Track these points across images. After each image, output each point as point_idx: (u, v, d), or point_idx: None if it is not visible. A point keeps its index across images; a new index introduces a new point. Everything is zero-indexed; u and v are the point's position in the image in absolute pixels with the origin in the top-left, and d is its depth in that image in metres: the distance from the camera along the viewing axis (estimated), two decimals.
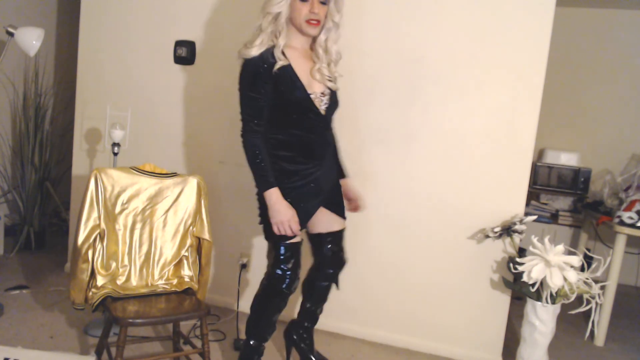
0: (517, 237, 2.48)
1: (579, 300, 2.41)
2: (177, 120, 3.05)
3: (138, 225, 2.24)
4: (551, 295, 2.35)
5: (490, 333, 2.63)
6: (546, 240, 2.34)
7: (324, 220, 2.20)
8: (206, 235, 2.31)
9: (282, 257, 2.05)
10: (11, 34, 2.72)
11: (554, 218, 4.11)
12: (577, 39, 4.38)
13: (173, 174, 2.31)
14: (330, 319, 2.82)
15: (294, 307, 2.90)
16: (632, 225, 2.97)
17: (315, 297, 2.32)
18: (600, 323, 3.01)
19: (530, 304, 2.42)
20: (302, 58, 2.00)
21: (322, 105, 2.01)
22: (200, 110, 3.01)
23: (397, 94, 2.64)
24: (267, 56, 1.91)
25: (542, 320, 2.37)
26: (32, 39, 2.72)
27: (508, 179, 2.54)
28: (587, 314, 2.90)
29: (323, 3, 1.94)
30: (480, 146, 2.57)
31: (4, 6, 3.62)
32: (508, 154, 2.53)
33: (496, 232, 2.46)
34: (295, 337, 2.37)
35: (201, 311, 2.06)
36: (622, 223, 3.00)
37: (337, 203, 2.23)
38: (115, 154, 2.66)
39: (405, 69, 2.63)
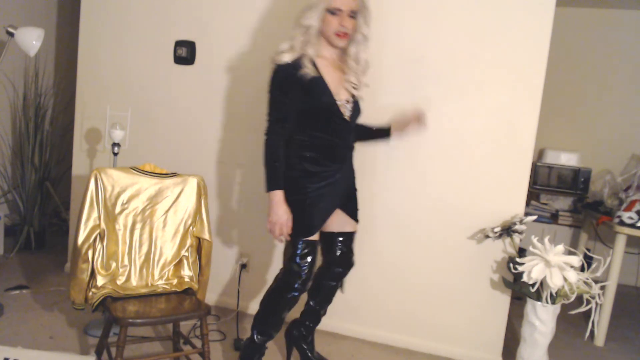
0: (517, 237, 2.48)
1: (579, 300, 2.41)
2: (177, 120, 3.05)
3: (138, 225, 2.24)
4: (551, 295, 2.35)
5: (490, 333, 2.63)
6: (546, 240, 2.34)
7: (337, 221, 2.25)
8: (206, 235, 2.31)
9: (299, 253, 2.10)
10: (11, 34, 2.72)
11: (554, 218, 4.11)
12: (577, 39, 4.38)
13: (173, 174, 2.31)
14: (330, 319, 2.82)
15: (297, 308, 2.91)
16: (632, 225, 2.97)
17: (321, 297, 2.34)
18: (600, 323, 3.01)
19: (530, 304, 2.42)
20: (331, 67, 2.11)
21: (347, 111, 2.12)
22: (200, 110, 3.01)
23: (397, 94, 2.64)
24: (299, 63, 2.02)
25: (542, 320, 2.37)
26: (32, 39, 2.72)
27: (508, 179, 2.54)
28: (587, 314, 2.90)
29: (352, 17, 2.05)
30: (480, 146, 2.57)
31: (4, 6, 3.62)
32: (508, 154, 2.53)
33: (496, 232, 2.46)
34: (296, 335, 2.38)
35: (201, 311, 2.06)
36: (622, 223, 3.00)
37: (352, 206, 2.31)
38: (115, 154, 2.66)
39: (405, 69, 2.63)
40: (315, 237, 2.14)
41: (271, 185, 2.05)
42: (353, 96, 2.16)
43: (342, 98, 2.11)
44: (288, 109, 2.05)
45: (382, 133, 2.35)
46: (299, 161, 2.08)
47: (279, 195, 2.04)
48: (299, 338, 2.37)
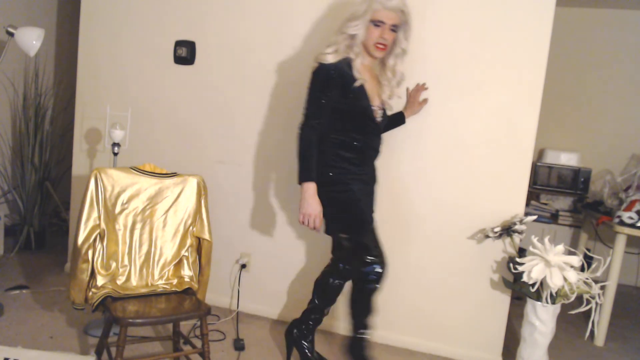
0: (517, 237, 2.48)
1: (579, 300, 2.41)
2: (177, 120, 3.05)
3: (138, 225, 2.24)
4: (551, 295, 2.35)
5: (490, 333, 2.63)
6: (546, 240, 2.34)
7: None
8: (206, 235, 2.31)
9: (365, 247, 2.18)
10: (11, 34, 2.72)
11: (554, 218, 4.11)
12: (577, 39, 4.38)
13: (173, 174, 2.31)
14: (329, 319, 2.82)
15: (300, 307, 2.91)
16: (632, 225, 2.97)
17: (326, 296, 2.35)
18: (600, 323, 3.01)
19: (530, 304, 2.42)
20: (368, 73, 2.24)
21: (378, 116, 2.26)
22: (200, 110, 3.01)
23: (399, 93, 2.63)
24: (343, 66, 2.14)
25: (542, 320, 2.37)
26: (32, 39, 2.72)
27: (508, 179, 2.54)
28: (587, 314, 2.90)
29: (393, 30, 2.16)
30: (480, 146, 2.57)
31: (4, 6, 3.62)
32: (508, 154, 2.53)
33: (496, 232, 2.46)
34: (297, 335, 2.38)
35: (201, 311, 2.06)
36: (622, 223, 3.00)
37: (373, 208, 2.40)
38: (115, 154, 2.66)
39: (405, 69, 2.62)
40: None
41: (304, 177, 2.11)
42: (383, 104, 2.30)
43: (375, 103, 2.23)
44: (325, 107, 2.14)
45: (398, 120, 2.53)
46: (339, 160, 2.19)
47: (312, 187, 2.11)
48: (299, 337, 2.38)
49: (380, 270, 2.18)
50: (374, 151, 2.31)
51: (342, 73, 2.13)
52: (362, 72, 2.18)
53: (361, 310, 2.26)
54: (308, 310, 2.38)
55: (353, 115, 2.19)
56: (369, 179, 2.34)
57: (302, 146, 2.13)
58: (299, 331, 2.38)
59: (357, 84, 2.14)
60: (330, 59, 2.12)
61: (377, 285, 2.21)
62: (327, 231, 2.27)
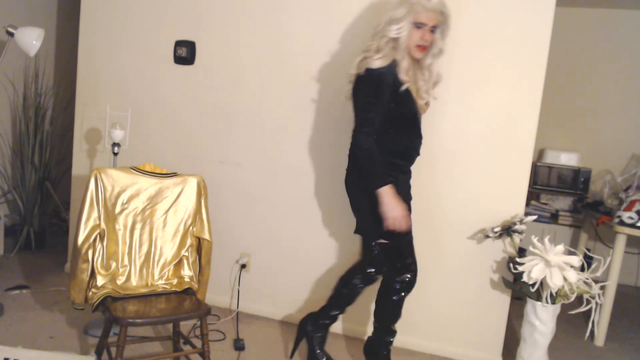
0: (517, 237, 2.48)
1: (579, 300, 2.41)
2: (177, 120, 3.05)
3: (138, 225, 2.24)
4: (551, 295, 2.35)
5: (490, 333, 2.63)
6: (546, 240, 2.34)
7: None
8: (206, 235, 2.31)
9: (403, 252, 2.21)
10: (11, 34, 2.72)
11: (554, 218, 4.10)
12: (577, 39, 4.38)
13: (173, 174, 2.31)
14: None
15: (294, 310, 2.91)
16: (632, 225, 2.97)
17: (347, 296, 2.34)
18: (600, 323, 3.01)
19: (530, 304, 2.42)
20: (409, 75, 2.20)
21: (420, 117, 2.25)
22: (200, 110, 3.01)
23: None
24: (393, 69, 2.11)
25: (542, 320, 2.37)
26: (32, 38, 2.72)
27: (508, 179, 2.54)
28: (587, 314, 2.90)
29: (432, 31, 2.15)
30: (480, 146, 2.57)
31: (4, 6, 3.62)
32: (508, 154, 2.53)
33: (496, 232, 2.46)
34: (310, 327, 2.37)
35: (201, 311, 2.06)
36: (622, 223, 3.00)
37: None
38: (115, 154, 2.66)
39: None
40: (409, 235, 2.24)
41: (377, 183, 2.08)
42: (423, 109, 2.30)
43: (418, 105, 2.23)
44: (379, 112, 2.10)
45: None
46: (391, 167, 2.15)
47: (390, 190, 2.07)
48: (313, 331, 2.37)
49: (409, 278, 2.22)
50: (416, 154, 2.29)
51: (392, 77, 2.10)
52: (406, 75, 2.17)
53: (387, 316, 2.28)
54: (327, 306, 2.37)
55: (402, 120, 2.17)
56: (409, 181, 2.32)
57: (364, 154, 2.09)
58: (314, 325, 2.37)
59: (404, 87, 2.12)
60: (379, 63, 2.09)
61: (405, 294, 2.24)
62: (364, 234, 2.26)
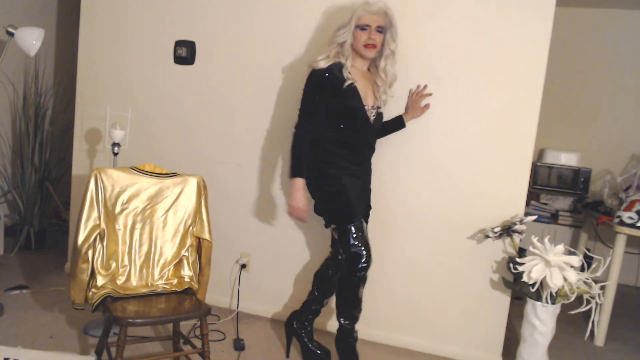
0: (517, 237, 2.48)
1: (579, 300, 2.41)
2: (177, 120, 3.05)
3: (138, 225, 2.24)
4: (551, 295, 2.35)
5: (490, 333, 2.63)
6: (546, 240, 2.34)
7: None
8: (206, 235, 2.31)
9: (354, 237, 2.25)
10: (11, 34, 2.72)
11: (554, 218, 4.10)
12: (577, 39, 4.37)
13: (173, 174, 2.31)
14: (329, 319, 2.82)
15: (298, 300, 2.91)
16: (632, 225, 2.97)
17: (324, 288, 2.47)
18: (600, 323, 3.01)
19: (530, 304, 2.42)
20: (360, 75, 2.36)
21: (371, 116, 2.37)
22: (200, 110, 3.01)
23: (398, 95, 2.63)
24: (333, 68, 2.28)
25: (542, 320, 2.37)
26: (32, 38, 2.72)
27: (508, 179, 2.54)
28: (587, 314, 2.90)
29: (379, 32, 2.29)
30: (480, 146, 2.57)
31: (4, 6, 3.62)
32: (508, 154, 2.53)
33: (496, 232, 2.46)
34: (296, 325, 2.48)
35: (201, 311, 2.06)
36: (622, 223, 3.00)
37: (367, 203, 2.51)
38: (115, 154, 2.66)
39: (406, 70, 2.62)
40: (360, 218, 2.31)
41: (295, 173, 2.29)
42: (377, 105, 2.41)
43: (368, 103, 2.35)
44: (317, 108, 2.29)
45: (396, 124, 2.59)
46: (334, 157, 2.31)
47: (300, 182, 2.28)
48: (299, 328, 2.48)
49: (364, 261, 2.24)
50: (369, 149, 2.43)
51: (333, 75, 2.26)
52: (353, 74, 2.31)
53: (347, 300, 2.33)
54: (308, 301, 2.50)
55: (346, 114, 2.30)
56: (363, 175, 2.44)
57: (295, 145, 2.30)
58: (299, 322, 2.49)
59: (346, 84, 2.26)
60: (322, 64, 2.28)
61: (362, 276, 2.26)
62: (325, 224, 2.39)
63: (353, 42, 2.29)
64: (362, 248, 2.25)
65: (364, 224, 2.33)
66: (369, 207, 2.52)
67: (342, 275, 2.34)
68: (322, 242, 2.82)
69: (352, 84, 2.27)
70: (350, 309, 2.34)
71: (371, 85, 2.40)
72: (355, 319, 2.36)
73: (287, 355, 2.53)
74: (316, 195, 2.38)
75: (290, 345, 2.54)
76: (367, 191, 2.50)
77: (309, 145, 2.30)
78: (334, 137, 2.31)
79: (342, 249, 2.29)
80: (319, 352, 2.46)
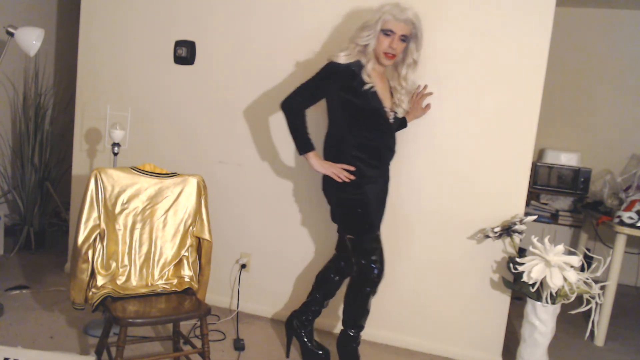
0: (517, 237, 2.48)
1: (579, 300, 2.41)
2: (177, 120, 3.05)
3: (138, 225, 2.24)
4: (551, 295, 2.35)
5: (490, 333, 2.63)
6: (546, 240, 2.34)
7: None
8: (206, 235, 2.31)
9: (368, 249, 2.25)
10: (11, 34, 2.72)
11: (554, 218, 4.10)
12: (578, 39, 4.37)
13: (173, 174, 2.31)
14: (330, 319, 2.82)
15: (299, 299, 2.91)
16: (632, 225, 2.96)
17: (325, 289, 2.49)
18: (600, 323, 3.01)
19: (530, 304, 2.42)
20: (378, 78, 2.31)
21: (390, 118, 2.32)
22: (200, 110, 3.01)
23: None
24: (352, 66, 2.21)
25: (542, 320, 2.37)
26: (32, 38, 2.72)
27: (508, 179, 2.54)
28: (587, 314, 2.90)
29: (403, 40, 2.22)
30: (480, 146, 2.57)
31: (3, 6, 3.62)
32: (508, 154, 2.53)
33: (496, 232, 2.46)
34: (296, 324, 2.49)
35: (201, 311, 2.06)
36: (622, 223, 3.00)
37: (384, 209, 2.47)
38: (115, 154, 2.66)
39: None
40: (378, 231, 2.32)
41: (302, 149, 2.24)
42: (393, 108, 2.35)
43: (387, 106, 2.30)
44: (317, 96, 2.27)
45: (398, 124, 2.49)
46: (353, 162, 2.24)
47: (312, 155, 2.23)
48: (299, 327, 2.49)
49: (376, 275, 2.25)
50: (390, 151, 2.37)
51: (352, 74, 2.20)
52: (372, 76, 2.25)
53: (356, 311, 2.32)
54: (308, 302, 2.50)
55: (367, 115, 2.25)
56: (383, 181, 2.41)
57: (289, 122, 2.24)
58: (299, 322, 2.50)
59: (367, 87, 2.20)
60: (342, 59, 2.21)
61: (372, 289, 2.28)
62: (338, 230, 2.43)
63: (375, 46, 2.23)
64: (376, 262, 2.24)
65: (380, 236, 2.33)
66: (384, 211, 2.48)
67: (352, 284, 2.32)
68: (322, 242, 2.82)
69: (372, 87, 2.22)
70: (357, 319, 2.33)
71: (387, 86, 2.37)
72: (361, 328, 2.35)
73: (287, 355, 2.54)
74: (333, 201, 2.33)
75: (291, 344, 2.54)
76: (385, 198, 2.46)
77: (302, 114, 2.24)
78: (355, 141, 2.25)
79: (354, 259, 2.28)
80: (319, 352, 2.46)
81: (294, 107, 2.24)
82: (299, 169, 2.83)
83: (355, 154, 2.25)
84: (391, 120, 2.32)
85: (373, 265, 2.24)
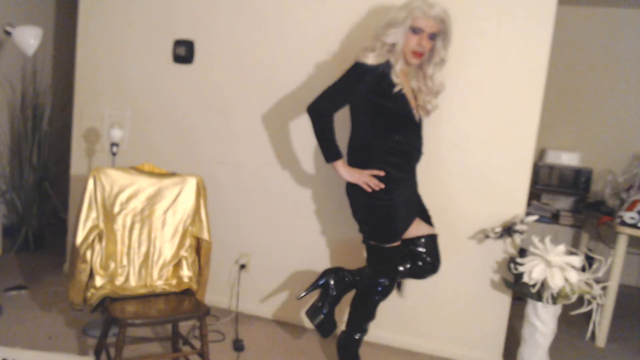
0: (518, 238, 2.47)
1: (580, 300, 2.40)
2: (176, 120, 3.04)
3: (137, 226, 2.23)
4: (552, 295, 2.34)
5: (491, 333, 2.62)
6: (547, 240, 2.33)
7: (414, 226, 2.35)
8: (205, 236, 2.30)
9: (385, 259, 2.23)
10: (9, 33, 2.71)
11: (555, 218, 4.10)
12: (579, 38, 4.37)
13: (172, 174, 2.30)
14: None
15: (294, 311, 2.89)
16: (634, 226, 2.95)
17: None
18: (602, 324, 3.00)
19: (531, 304, 2.41)
20: (404, 78, 2.22)
21: (417, 118, 2.25)
22: (200, 110, 2.99)
23: None
24: (384, 69, 2.12)
25: (542, 320, 2.36)
26: (29, 38, 2.71)
27: (509, 179, 2.53)
28: (588, 315, 2.89)
29: (431, 39, 2.15)
30: (481, 146, 2.56)
31: (1, 5, 3.61)
32: (509, 154, 2.52)
33: (497, 233, 2.46)
34: (332, 284, 2.34)
35: (200, 312, 2.05)
36: (623, 223, 2.99)
37: (423, 209, 2.42)
38: (114, 154, 2.65)
39: None
40: (398, 243, 2.25)
41: (329, 157, 2.15)
42: (418, 109, 2.28)
43: (413, 106, 2.23)
44: (344, 101, 2.18)
45: None
46: (383, 167, 2.15)
47: (340, 164, 2.15)
48: (332, 289, 2.34)
49: (387, 283, 2.23)
50: (418, 152, 2.28)
51: (382, 75, 2.12)
52: (401, 76, 2.17)
53: (361, 315, 2.30)
54: (356, 280, 2.37)
55: (397, 117, 2.17)
56: (411, 183, 2.32)
57: (316, 128, 2.14)
58: (337, 284, 2.34)
59: (396, 89, 2.13)
60: (370, 60, 2.11)
61: (380, 297, 2.26)
62: (359, 229, 2.33)
63: (403, 44, 2.13)
64: (389, 274, 2.22)
65: (400, 250, 2.28)
66: (425, 211, 2.42)
67: (360, 287, 2.30)
68: (321, 242, 2.81)
69: (401, 89, 2.14)
70: (362, 323, 2.32)
71: (412, 89, 2.29)
72: (365, 331, 2.34)
73: (300, 298, 2.42)
74: (359, 204, 2.24)
75: (312, 290, 2.37)
76: (416, 198, 2.38)
77: (330, 120, 2.14)
78: (385, 145, 2.16)
79: (368, 263, 2.26)
80: (332, 320, 2.35)
81: (321, 111, 2.14)
82: (299, 168, 2.82)
83: (385, 159, 2.16)
84: (417, 119, 2.25)
85: (382, 280, 2.22)
